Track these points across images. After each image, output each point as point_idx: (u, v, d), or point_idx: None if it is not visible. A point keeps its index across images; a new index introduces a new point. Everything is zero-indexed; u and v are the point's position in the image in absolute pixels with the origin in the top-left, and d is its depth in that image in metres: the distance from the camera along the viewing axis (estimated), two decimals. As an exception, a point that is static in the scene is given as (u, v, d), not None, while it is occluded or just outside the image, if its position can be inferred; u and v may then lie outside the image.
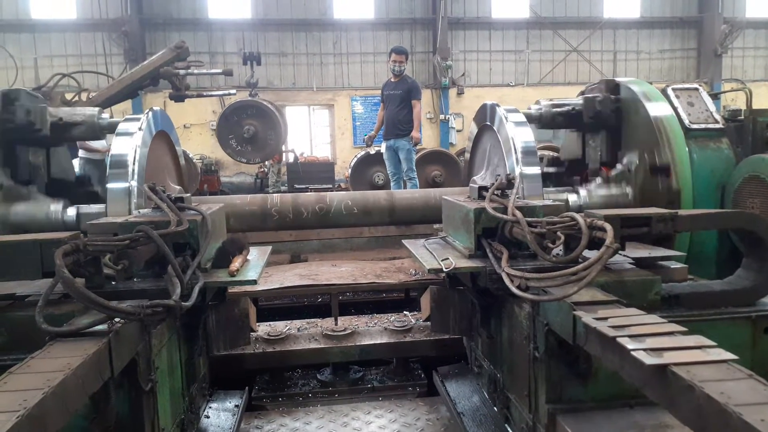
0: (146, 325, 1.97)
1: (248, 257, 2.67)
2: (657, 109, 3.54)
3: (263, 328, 3.98)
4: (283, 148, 11.30)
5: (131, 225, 2.25)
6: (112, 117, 3.81)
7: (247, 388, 3.24)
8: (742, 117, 3.78)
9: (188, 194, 2.87)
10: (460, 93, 19.42)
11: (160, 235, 2.12)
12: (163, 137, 3.82)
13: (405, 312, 4.50)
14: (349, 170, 10.20)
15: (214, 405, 2.95)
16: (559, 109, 3.94)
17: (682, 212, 2.21)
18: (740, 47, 20.81)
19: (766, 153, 3.34)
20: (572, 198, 3.74)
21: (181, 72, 6.19)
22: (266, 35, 18.99)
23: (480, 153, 4.45)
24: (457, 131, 19.07)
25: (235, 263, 2.45)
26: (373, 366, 3.98)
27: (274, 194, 3.98)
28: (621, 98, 3.76)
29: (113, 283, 2.18)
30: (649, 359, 1.37)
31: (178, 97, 6.47)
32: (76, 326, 1.73)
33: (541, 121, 3.98)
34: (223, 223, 2.91)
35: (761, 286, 2.26)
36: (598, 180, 3.83)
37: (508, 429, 2.55)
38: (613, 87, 3.83)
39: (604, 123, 3.80)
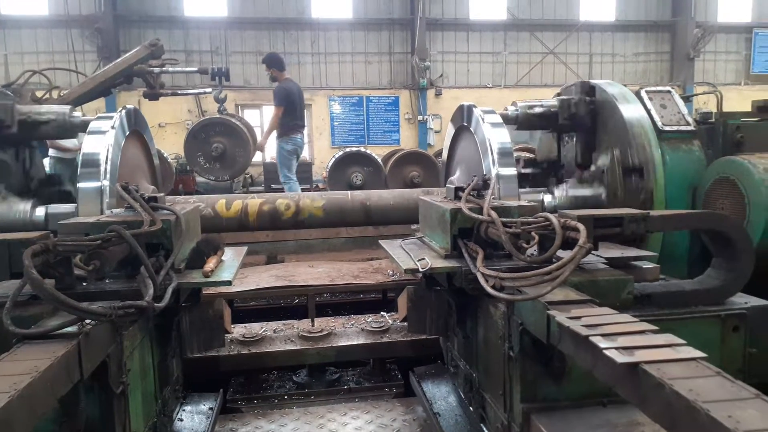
0: (118, 326, 1.93)
1: (223, 258, 2.64)
2: (631, 110, 3.59)
3: (239, 330, 3.94)
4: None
5: (103, 225, 2.21)
6: (84, 115, 3.73)
7: (221, 390, 3.20)
8: (713, 119, 3.86)
9: (162, 194, 2.82)
10: (438, 94, 19.51)
11: (132, 235, 2.09)
12: (136, 136, 3.76)
13: (382, 313, 4.50)
14: (327, 170, 10.16)
15: (187, 408, 2.91)
16: (534, 111, 3.98)
17: (653, 213, 2.24)
18: (712, 51, 21.27)
19: (736, 155, 3.40)
20: (547, 198, 3.78)
21: (156, 70, 6.10)
22: (243, 34, 18.86)
23: (457, 154, 4.46)
24: (436, 132, 19.16)
25: (210, 264, 2.43)
26: (349, 367, 3.98)
27: (248, 194, 3.94)
28: (596, 100, 3.81)
29: (84, 284, 2.14)
30: (620, 358, 1.39)
31: (153, 95, 6.37)
32: (44, 328, 1.69)
33: (518, 122, 4.02)
34: (197, 224, 2.87)
35: (730, 285, 2.31)
36: (573, 181, 3.87)
37: (484, 428, 2.56)
38: (589, 89, 3.88)
39: (579, 124, 3.85)
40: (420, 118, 19.33)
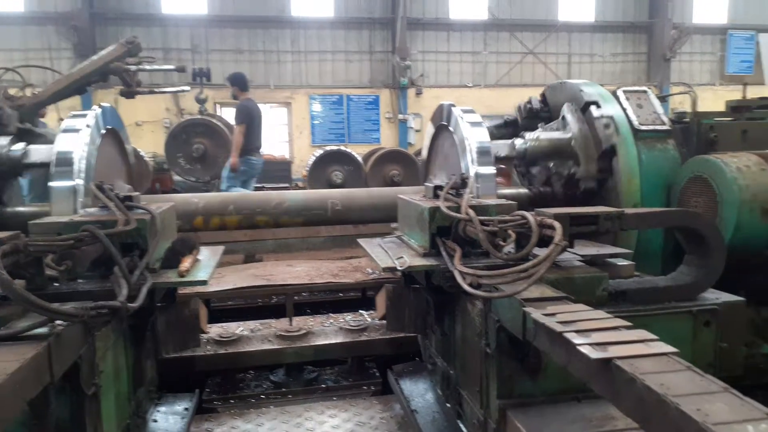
0: (90, 327, 1.90)
1: (199, 257, 2.61)
2: (608, 110, 3.63)
3: (215, 330, 3.91)
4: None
5: (76, 224, 2.17)
6: (59, 114, 3.62)
7: (197, 390, 3.17)
8: (688, 119, 3.92)
9: (137, 193, 2.78)
10: (418, 93, 19.56)
11: (106, 235, 2.06)
12: (112, 135, 3.70)
13: (361, 311, 4.49)
14: (307, 169, 10.11)
15: (162, 408, 2.88)
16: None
17: (628, 211, 2.27)
18: (688, 52, 21.64)
19: (710, 154, 3.46)
20: (518, 142, 3.74)
21: (132, 68, 6.00)
22: (222, 32, 18.71)
23: (436, 153, 4.47)
24: (416, 131, 19.20)
25: (185, 263, 2.40)
26: (328, 366, 3.96)
27: (228, 193, 3.91)
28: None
29: (56, 284, 2.10)
30: (594, 353, 1.41)
31: (129, 93, 6.26)
32: (13, 330, 1.65)
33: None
34: (173, 223, 2.84)
35: (702, 281, 2.35)
36: (543, 125, 3.87)
37: (461, 425, 2.57)
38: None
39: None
40: (400, 117, 19.35)
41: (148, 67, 6.46)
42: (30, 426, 1.75)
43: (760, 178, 3.01)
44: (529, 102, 3.98)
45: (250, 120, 8.23)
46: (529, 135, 3.74)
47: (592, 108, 3.49)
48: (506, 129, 4.03)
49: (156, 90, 7.94)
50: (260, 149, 8.57)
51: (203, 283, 2.31)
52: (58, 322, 1.71)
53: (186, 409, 2.89)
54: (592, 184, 3.41)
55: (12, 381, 1.40)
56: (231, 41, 18.80)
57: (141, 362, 2.56)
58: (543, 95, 4.03)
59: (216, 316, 4.79)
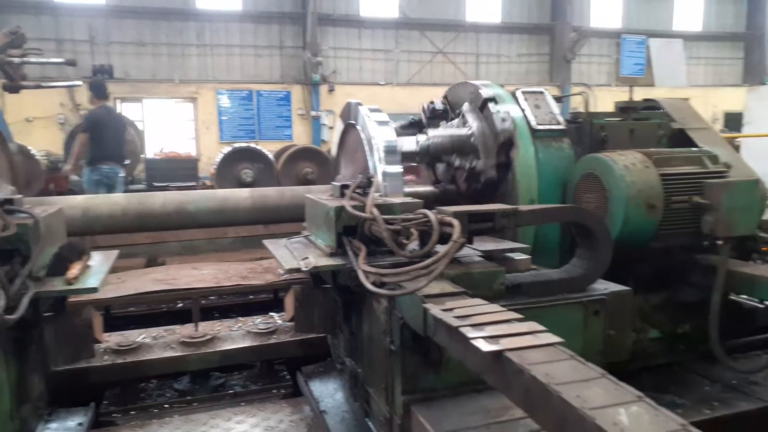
0: (-39, 343, 1.74)
1: (90, 263, 2.46)
2: (507, 110, 3.77)
3: (114, 338, 3.70)
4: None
5: (-57, 231, 1.98)
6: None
7: (93, 404, 2.99)
8: (581, 119, 4.14)
9: (20, 195, 2.58)
10: (331, 90, 19.46)
11: (-22, 242, 1.89)
12: (-10, 132, 3.41)
13: (272, 314, 4.41)
14: (215, 167, 9.80)
15: (53, 425, 2.69)
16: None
17: (522, 208, 2.37)
18: (587, 54, 22.93)
19: (600, 152, 3.67)
20: (421, 138, 3.82)
21: (16, 60, 5.55)
22: (122, 23, 17.74)
23: (346, 151, 4.47)
24: (330, 128, 19.11)
25: (73, 270, 2.25)
26: (236, 371, 3.86)
27: (124, 193, 3.71)
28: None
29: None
30: (486, 346, 1.45)
31: (13, 87, 5.79)
32: None
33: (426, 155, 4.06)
34: (61, 227, 2.65)
35: (592, 273, 2.49)
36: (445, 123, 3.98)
37: (369, 423, 2.59)
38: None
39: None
40: (313, 113, 19.19)
41: (33, 59, 6.02)
42: None
43: (644, 175, 3.24)
44: (432, 103, 4.07)
45: (93, 129, 8.02)
46: (431, 132, 3.82)
47: (490, 104, 3.61)
48: (411, 129, 4.10)
49: (44, 84, 7.41)
50: (115, 158, 8.28)
51: (93, 290, 2.18)
52: None
53: (80, 424, 2.72)
54: (492, 174, 3.52)
55: None
56: (132, 33, 17.86)
57: (26, 377, 2.38)
58: (445, 96, 4.13)
59: (117, 324, 4.55)
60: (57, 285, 2.20)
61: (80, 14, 17.37)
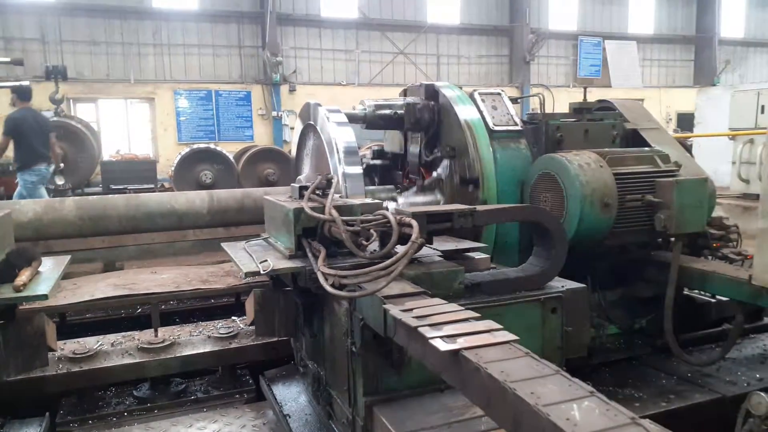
0: None
1: (40, 269, 2.38)
2: (466, 112, 3.82)
3: (70, 346, 3.59)
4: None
5: None
6: None
7: (48, 414, 2.90)
8: (537, 120, 4.22)
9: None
10: (292, 90, 19.33)
11: None
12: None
13: (234, 318, 4.36)
14: (173, 168, 9.61)
15: (5, 437, 2.60)
16: (382, 112, 4.08)
17: (480, 208, 2.40)
18: (545, 55, 23.37)
19: (556, 152, 3.76)
20: (391, 206, 3.86)
21: (-42, 59, 5.35)
22: (74, 21, 17.22)
23: (305, 152, 4.46)
24: (291, 128, 18.97)
25: (22, 277, 2.18)
26: (197, 377, 3.79)
27: (71, 198, 3.61)
28: (439, 103, 4.00)
29: None
30: (444, 346, 1.47)
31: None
32: None
33: (366, 121, 4.10)
34: (8, 232, 2.56)
35: (549, 271, 2.54)
36: (414, 189, 4.04)
37: (332, 425, 2.58)
38: (433, 92, 4.06)
39: (422, 125, 4.02)
40: (274, 114, 19.01)
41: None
42: None
43: (598, 174, 3.32)
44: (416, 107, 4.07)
45: (17, 132, 7.89)
46: (401, 200, 3.98)
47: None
48: (393, 122, 4.12)
49: (-9, 84, 7.20)
50: (47, 158, 8.15)
51: (43, 297, 2.13)
52: None
53: (34, 435, 2.64)
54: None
55: None
56: (84, 32, 17.35)
57: (-27, 390, 2.29)
58: (435, 91, 4.11)
59: (74, 331, 4.42)
60: (4, 292, 2.13)
61: (30, 12, 16.80)
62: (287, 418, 2.82)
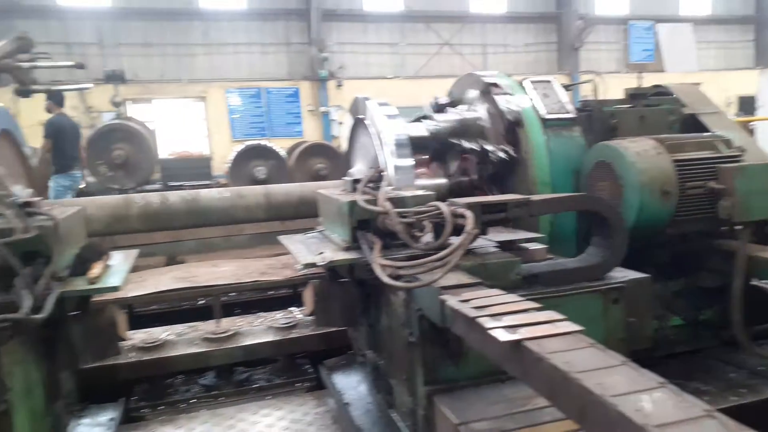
0: (-6, 343, 1.80)
1: (110, 262, 2.51)
2: (517, 101, 3.78)
3: (139, 336, 3.77)
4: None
5: (-30, 236, 2.03)
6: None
7: (123, 399, 3.06)
8: (590, 107, 4.13)
9: (39, 198, 2.64)
10: (339, 85, 19.47)
11: (3, 244, 1.94)
12: (6, 137, 3.48)
13: (291, 308, 4.46)
14: (229, 165, 9.85)
15: (85, 421, 2.77)
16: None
17: (535, 197, 2.38)
18: (594, 41, 22.72)
19: (611, 140, 3.67)
20: (429, 124, 3.80)
21: (25, 65, 5.63)
22: (129, 24, 17.86)
23: (356, 145, 4.50)
24: (339, 123, 19.12)
25: (95, 270, 2.30)
26: (259, 366, 3.92)
27: (141, 194, 3.77)
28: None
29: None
30: (504, 336, 1.47)
31: (24, 92, 5.89)
32: None
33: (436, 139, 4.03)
34: (80, 228, 2.70)
35: (608, 261, 2.49)
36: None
37: (392, 414, 2.62)
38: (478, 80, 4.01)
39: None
40: (322, 109, 19.22)
41: (42, 63, 6.10)
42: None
43: (656, 161, 3.23)
44: (437, 98, 4.07)
45: (58, 137, 8.20)
46: (439, 116, 3.83)
47: (492, 88, 3.62)
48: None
49: (53, 88, 7.54)
50: (79, 164, 8.57)
51: (115, 289, 2.23)
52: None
53: (111, 419, 2.79)
54: (502, 154, 3.52)
55: None
56: (138, 34, 17.98)
57: (56, 375, 2.44)
58: (450, 92, 4.13)
59: (140, 322, 4.62)
60: (80, 285, 2.24)
61: (87, 17, 17.51)
62: (348, 406, 2.88)
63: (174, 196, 3.69)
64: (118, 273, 2.39)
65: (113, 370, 3.35)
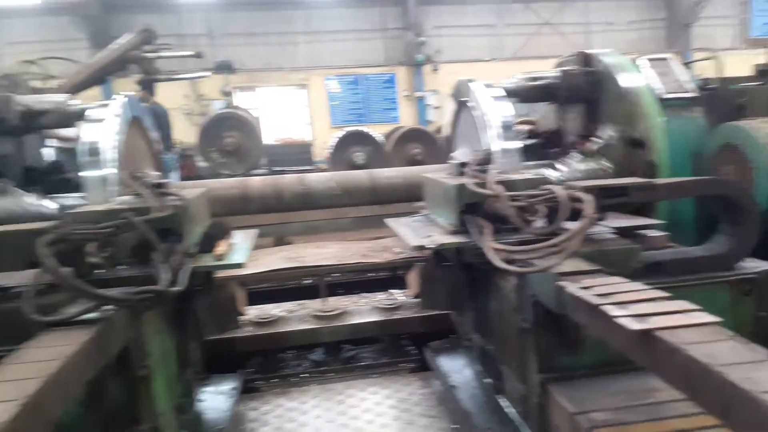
0: (136, 312, 1.96)
1: (233, 241, 2.66)
2: (631, 80, 3.58)
3: (253, 312, 4.00)
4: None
5: (114, 212, 2.22)
6: (81, 104, 3.72)
7: (242, 370, 3.25)
8: (713, 85, 3.85)
9: (168, 180, 2.84)
10: (435, 69, 19.33)
11: (144, 221, 2.11)
12: (136, 123, 3.75)
13: (392, 290, 4.53)
14: (329, 150, 10.11)
15: (209, 389, 2.98)
16: (535, 83, 3.96)
17: (659, 181, 2.25)
18: (708, 16, 20.98)
19: (739, 120, 3.40)
20: (552, 174, 3.75)
21: (150, 56, 6.06)
22: (235, 15, 18.67)
23: (459, 129, 4.46)
24: (435, 108, 19.01)
25: (221, 247, 2.45)
26: (364, 344, 4.02)
27: (254, 177, 3.96)
28: (596, 71, 3.78)
29: (97, 271, 2.16)
30: (634, 325, 1.41)
31: (148, 81, 6.36)
32: (66, 315, 1.72)
33: (518, 95, 4.00)
34: (206, 208, 2.89)
35: (737, 250, 2.32)
36: (576, 155, 3.86)
37: (500, 400, 2.60)
38: (588, 60, 3.85)
39: (581, 96, 3.83)
40: (418, 94, 19.19)
41: (165, 54, 6.53)
42: (86, 406, 1.83)
43: (792, 143, 2.97)
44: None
45: (155, 122, 8.51)
46: (562, 167, 3.74)
47: None
48: (547, 93, 4.01)
49: (174, 77, 8.04)
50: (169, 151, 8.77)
51: (240, 265, 2.36)
52: (106, 307, 1.77)
53: (233, 388, 2.98)
54: None
55: (71, 363, 1.46)
56: (243, 24, 18.74)
57: (186, 345, 2.63)
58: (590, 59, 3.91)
59: (252, 299, 4.87)
60: (208, 261, 2.40)
61: (197, 10, 18.48)
62: (454, 389, 2.89)
63: (285, 180, 3.84)
64: (241, 250, 2.53)
65: (233, 343, 3.56)
